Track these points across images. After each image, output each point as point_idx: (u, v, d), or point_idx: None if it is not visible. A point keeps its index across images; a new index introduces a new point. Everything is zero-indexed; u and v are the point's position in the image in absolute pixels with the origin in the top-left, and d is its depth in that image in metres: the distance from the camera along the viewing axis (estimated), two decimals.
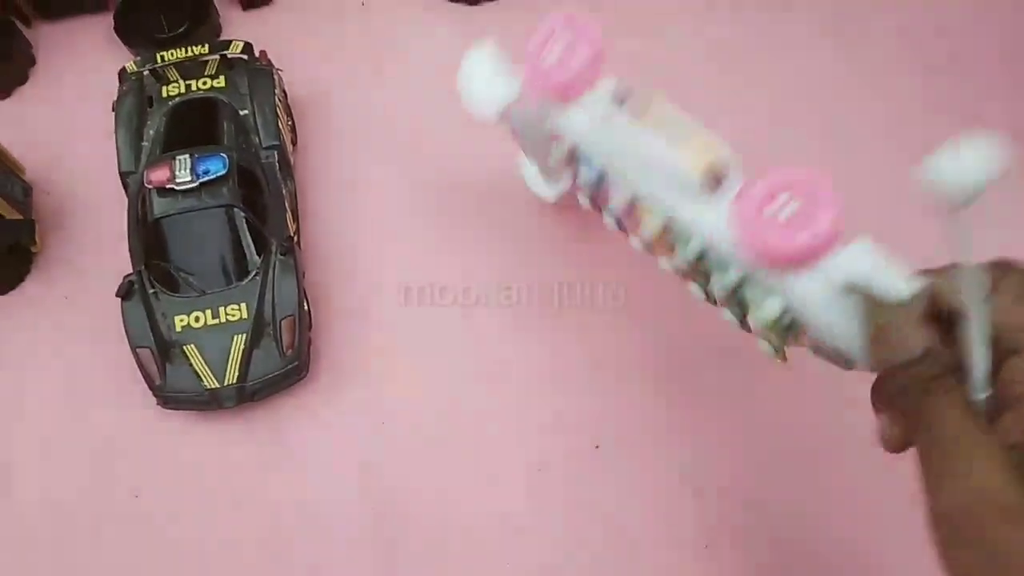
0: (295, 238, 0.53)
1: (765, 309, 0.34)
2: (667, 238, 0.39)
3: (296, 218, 0.55)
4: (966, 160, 0.21)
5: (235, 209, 0.50)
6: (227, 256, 0.50)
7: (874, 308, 0.30)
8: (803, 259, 0.32)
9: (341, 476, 0.50)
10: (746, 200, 0.33)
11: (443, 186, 0.51)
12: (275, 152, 0.54)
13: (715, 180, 0.35)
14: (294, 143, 0.59)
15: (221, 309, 0.49)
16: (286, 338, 0.49)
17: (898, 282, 0.30)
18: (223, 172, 0.50)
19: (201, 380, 0.49)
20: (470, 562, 0.47)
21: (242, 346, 0.49)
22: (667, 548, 0.47)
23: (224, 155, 0.50)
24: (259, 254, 0.51)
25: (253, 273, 0.51)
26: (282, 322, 0.50)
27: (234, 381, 0.49)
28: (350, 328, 0.54)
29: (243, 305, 0.50)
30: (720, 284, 0.36)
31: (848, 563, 0.46)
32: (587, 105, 0.38)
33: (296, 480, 0.50)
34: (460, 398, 0.51)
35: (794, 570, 0.46)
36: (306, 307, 0.52)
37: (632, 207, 0.39)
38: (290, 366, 0.49)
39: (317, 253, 0.57)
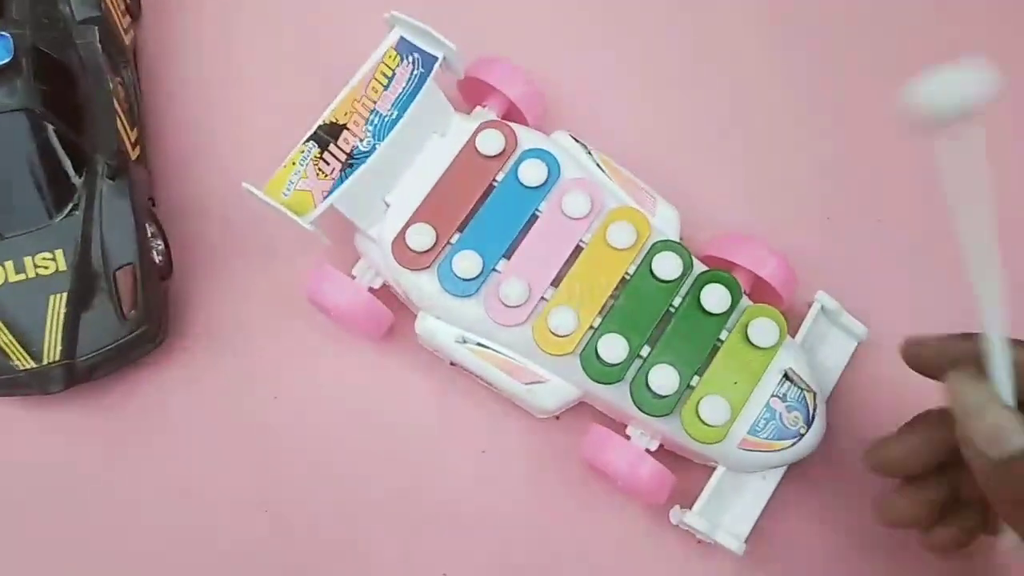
0: (135, 152, 0.38)
1: None
2: None
3: (136, 123, 0.40)
4: (951, 83, 0.22)
5: (36, 114, 0.35)
6: (32, 183, 0.36)
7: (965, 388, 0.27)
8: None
9: (226, 468, 0.39)
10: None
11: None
12: (95, 29, 0.38)
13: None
14: (133, 15, 0.43)
15: (27, 259, 0.36)
16: (125, 294, 0.36)
17: None
18: (6, 59, 0.34)
19: (10, 359, 0.35)
20: (395, 557, 0.38)
21: (62, 309, 0.36)
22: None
23: (8, 35, 0.34)
24: (81, 177, 0.36)
25: (70, 206, 0.36)
26: (117, 273, 0.36)
27: (57, 358, 0.36)
28: (227, 273, 0.41)
29: (58, 252, 0.36)
30: None
31: None
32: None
33: (162, 478, 0.39)
34: (382, 359, 0.40)
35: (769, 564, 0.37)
36: (160, 247, 0.39)
37: None
38: (136, 332, 0.37)
39: (176, 171, 0.43)
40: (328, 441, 0.39)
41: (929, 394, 0.39)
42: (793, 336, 0.37)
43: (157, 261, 0.39)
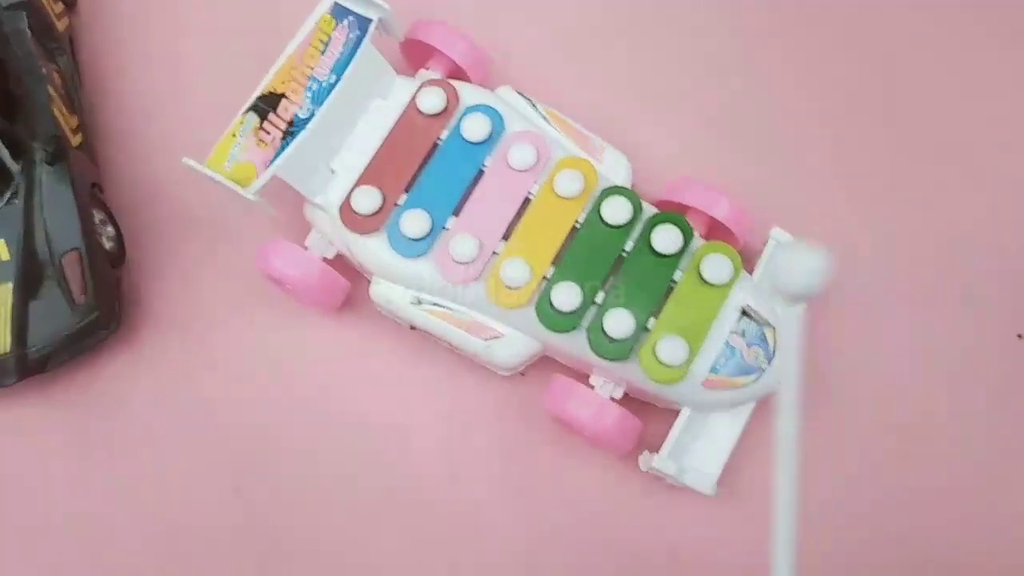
0: (76, 139, 0.38)
1: None
2: None
3: (76, 110, 0.39)
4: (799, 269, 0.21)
5: None
6: None
7: None
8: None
9: (192, 453, 0.38)
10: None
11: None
12: (24, 15, 0.38)
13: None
14: (67, 2, 0.42)
15: None
16: (74, 281, 0.35)
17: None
18: None
19: None
20: (368, 528, 0.37)
21: (10, 299, 0.35)
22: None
23: None
24: (19, 165, 0.35)
25: (8, 194, 0.35)
26: (63, 259, 0.35)
27: (7, 350, 0.36)
28: (182, 256, 0.41)
29: (0, 242, 0.35)
30: None
31: None
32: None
33: (128, 468, 0.38)
34: (342, 330, 0.39)
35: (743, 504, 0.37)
36: (110, 234, 0.38)
37: None
38: (88, 319, 0.36)
39: (124, 157, 0.42)
40: (294, 417, 0.39)
41: (892, 325, 0.39)
42: (751, 274, 0.36)
43: (108, 247, 0.39)
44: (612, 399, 0.35)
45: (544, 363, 0.38)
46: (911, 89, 0.43)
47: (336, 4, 0.37)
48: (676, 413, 0.36)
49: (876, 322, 0.39)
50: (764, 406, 0.37)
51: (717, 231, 0.37)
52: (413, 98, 0.37)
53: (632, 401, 0.36)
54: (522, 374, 0.39)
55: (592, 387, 0.36)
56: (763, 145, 0.42)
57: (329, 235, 0.37)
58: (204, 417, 0.38)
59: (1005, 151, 0.42)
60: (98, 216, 0.39)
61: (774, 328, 0.35)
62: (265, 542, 0.37)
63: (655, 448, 0.35)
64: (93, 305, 0.36)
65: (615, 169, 0.37)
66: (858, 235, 0.40)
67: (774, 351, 0.35)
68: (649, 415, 0.36)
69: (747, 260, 0.36)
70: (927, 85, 0.43)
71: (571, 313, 0.34)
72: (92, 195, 0.39)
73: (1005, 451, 0.38)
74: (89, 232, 0.37)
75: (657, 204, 0.37)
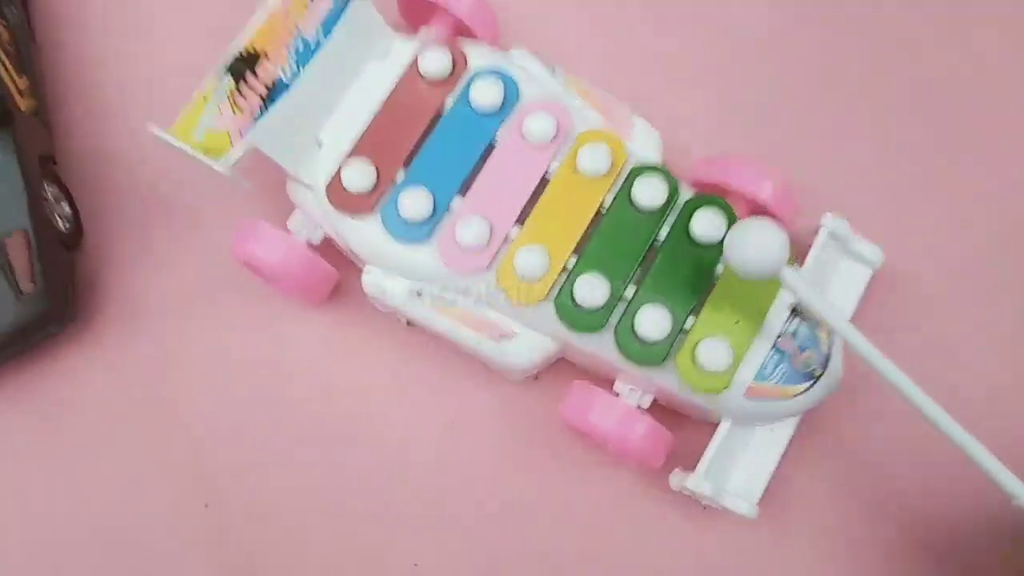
0: (25, 103, 0.33)
1: None
2: None
3: (26, 71, 0.34)
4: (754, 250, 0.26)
5: None
6: None
7: None
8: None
9: (155, 462, 0.34)
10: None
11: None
12: None
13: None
14: None
15: None
16: (20, 267, 0.31)
17: None
18: None
19: None
20: (358, 549, 0.33)
21: None
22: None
23: None
24: None
25: None
26: (6, 241, 0.31)
27: None
28: (148, 239, 0.36)
29: None
30: None
31: None
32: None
33: (82, 480, 0.34)
34: (329, 326, 0.35)
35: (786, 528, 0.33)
36: (65, 212, 0.34)
37: None
38: (36, 310, 0.32)
39: (84, 126, 0.37)
40: (272, 424, 0.34)
41: (954, 322, 0.35)
42: (800, 266, 0.32)
43: (62, 228, 0.34)
44: (639, 408, 0.31)
45: (560, 366, 0.33)
46: (965, 66, 0.38)
47: None
48: (711, 425, 0.31)
49: (932, 313, 0.35)
50: (809, 417, 0.32)
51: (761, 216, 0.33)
52: (414, 60, 0.32)
53: (662, 410, 0.32)
54: (535, 378, 0.34)
55: (617, 394, 0.31)
56: (807, 122, 0.37)
57: (315, 216, 0.33)
58: (170, 424, 0.34)
59: None
60: (51, 192, 0.34)
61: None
62: (236, 564, 0.33)
63: (687, 464, 0.31)
64: (43, 295, 0.32)
65: (646, 144, 0.32)
66: (914, 221, 0.36)
67: (828, 356, 0.30)
68: (680, 426, 0.32)
69: (796, 250, 0.32)
70: (986, 64, 0.38)
71: (596, 310, 0.30)
72: (44, 168, 0.34)
73: None
74: (38, 210, 0.32)
75: (691, 185, 0.33)
